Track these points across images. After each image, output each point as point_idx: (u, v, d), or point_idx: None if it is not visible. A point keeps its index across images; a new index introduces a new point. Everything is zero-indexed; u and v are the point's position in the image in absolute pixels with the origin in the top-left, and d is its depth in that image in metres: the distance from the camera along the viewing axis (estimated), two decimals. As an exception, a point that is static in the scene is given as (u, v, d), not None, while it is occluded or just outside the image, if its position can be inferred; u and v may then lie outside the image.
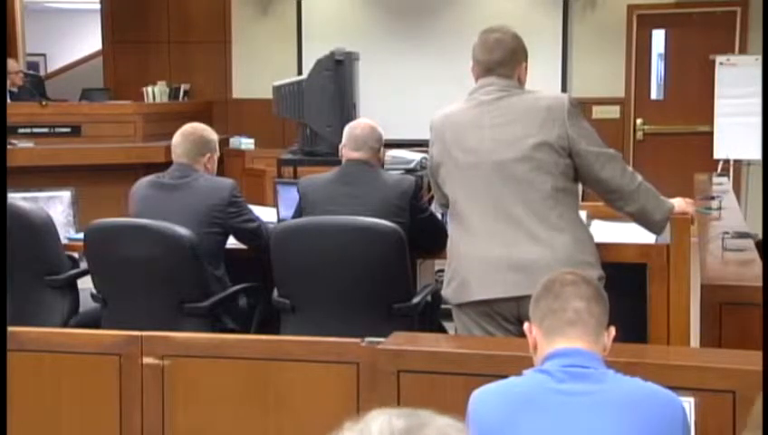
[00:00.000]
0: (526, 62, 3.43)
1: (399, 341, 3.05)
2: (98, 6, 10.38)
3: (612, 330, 2.39)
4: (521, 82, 3.41)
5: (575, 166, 3.30)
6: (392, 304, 3.87)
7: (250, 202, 4.48)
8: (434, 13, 9.32)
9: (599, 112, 8.63)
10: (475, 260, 3.31)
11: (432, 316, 4.19)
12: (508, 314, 3.27)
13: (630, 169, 3.41)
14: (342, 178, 4.10)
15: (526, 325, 2.43)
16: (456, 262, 3.40)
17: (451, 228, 3.47)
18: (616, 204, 3.40)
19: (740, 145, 7.92)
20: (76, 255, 4.53)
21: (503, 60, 3.37)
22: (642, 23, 9.09)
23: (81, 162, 7.92)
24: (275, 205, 4.80)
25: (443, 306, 4.30)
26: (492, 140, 3.30)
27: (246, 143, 9.29)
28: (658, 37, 9.18)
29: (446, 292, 3.46)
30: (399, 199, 4.00)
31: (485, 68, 3.38)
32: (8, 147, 6.90)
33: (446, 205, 3.52)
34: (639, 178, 3.39)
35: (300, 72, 8.70)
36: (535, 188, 3.26)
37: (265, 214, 4.59)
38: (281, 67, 9.15)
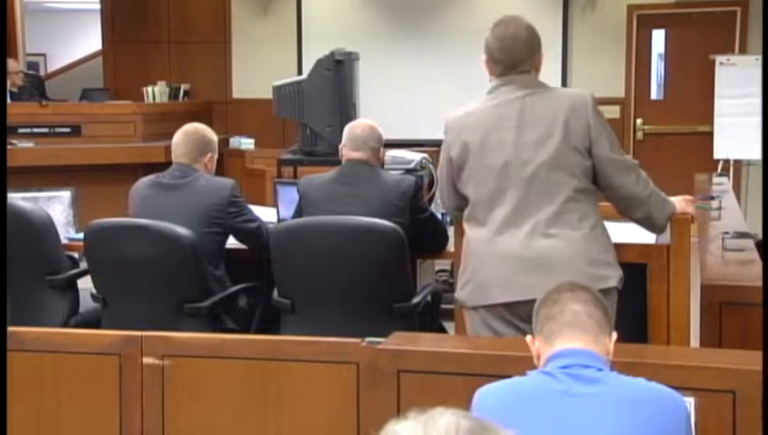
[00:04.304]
0: (541, 50, 3.36)
1: (399, 341, 3.05)
2: (98, 6, 10.38)
3: (614, 335, 2.40)
4: (537, 72, 3.35)
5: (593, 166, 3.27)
6: (392, 304, 3.87)
7: (250, 202, 4.48)
8: (434, 13, 9.32)
9: (599, 112, 8.63)
10: (496, 262, 3.25)
11: (432, 316, 4.18)
12: (524, 315, 3.23)
13: (644, 175, 3.36)
14: (342, 178, 4.10)
15: (528, 338, 2.44)
16: (474, 263, 3.32)
17: (470, 229, 3.37)
18: (624, 210, 3.38)
19: (740, 145, 7.92)
20: (76, 255, 4.53)
21: (522, 56, 3.30)
22: (642, 23, 9.09)
23: (81, 162, 7.92)
24: (275, 205, 4.81)
25: (443, 306, 4.30)
26: (515, 141, 3.24)
27: (246, 143, 9.29)
28: (658, 37, 9.18)
29: (460, 294, 3.38)
30: (399, 199, 4.00)
31: (505, 66, 3.31)
32: (8, 147, 6.89)
33: (459, 208, 3.43)
34: (651, 185, 3.36)
35: (300, 72, 8.69)
36: (558, 191, 3.22)
37: (265, 214, 4.59)
38: (281, 67, 9.15)
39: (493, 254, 3.26)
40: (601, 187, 3.32)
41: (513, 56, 3.30)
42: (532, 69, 3.34)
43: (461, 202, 3.41)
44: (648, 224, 3.45)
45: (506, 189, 3.25)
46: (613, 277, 3.24)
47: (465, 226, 3.41)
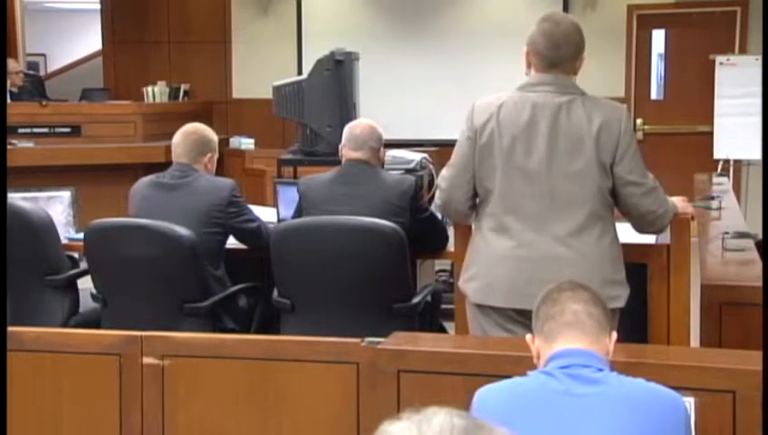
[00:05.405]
0: (584, 53, 3.30)
1: (399, 341, 3.05)
2: (98, 6, 10.38)
3: (614, 334, 2.39)
4: (575, 74, 3.29)
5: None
6: (392, 304, 3.87)
7: (250, 202, 4.48)
8: (434, 13, 9.32)
9: (599, 112, 8.63)
10: (506, 267, 3.22)
11: (432, 316, 4.19)
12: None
13: (662, 194, 3.31)
14: (342, 178, 4.10)
15: (528, 337, 2.44)
16: (482, 262, 3.29)
17: (482, 226, 3.31)
18: (637, 227, 3.38)
19: (740, 145, 7.92)
20: (76, 255, 4.53)
21: (568, 55, 3.24)
22: (642, 23, 9.10)
23: (81, 162, 7.92)
24: (275, 205, 4.81)
25: (443, 306, 4.31)
26: (547, 148, 3.18)
27: (246, 143, 9.29)
28: (658, 37, 9.19)
29: (464, 287, 3.35)
30: (399, 199, 4.00)
31: (548, 64, 3.23)
32: (8, 147, 6.90)
33: (469, 199, 3.33)
34: (666, 204, 3.33)
35: (300, 72, 8.69)
36: (584, 204, 3.19)
37: (265, 214, 4.59)
38: (281, 67, 9.15)
39: (507, 258, 3.23)
40: (617, 203, 3.29)
41: (560, 54, 3.23)
42: (572, 71, 3.27)
43: (472, 194, 3.32)
44: (653, 233, 3.49)
45: (531, 195, 3.21)
46: (622, 297, 3.23)
47: (478, 220, 3.34)
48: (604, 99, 3.32)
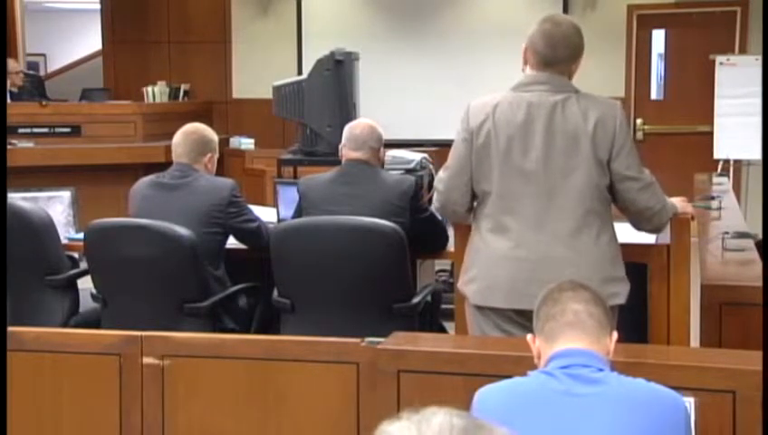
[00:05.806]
0: (581, 57, 3.30)
1: (399, 341, 3.05)
2: (98, 6, 10.38)
3: (615, 334, 2.40)
4: (570, 78, 3.29)
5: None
6: (392, 304, 3.87)
7: (250, 202, 4.48)
8: (434, 13, 9.32)
9: (599, 112, 8.62)
10: (506, 268, 3.22)
11: (432, 316, 4.19)
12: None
13: (659, 189, 3.32)
14: (342, 177, 4.10)
15: (529, 337, 2.44)
16: (482, 263, 3.28)
17: (480, 227, 3.31)
18: (635, 223, 3.38)
19: (740, 145, 7.92)
20: (76, 255, 4.53)
21: (564, 57, 3.24)
22: (642, 23, 9.10)
23: (81, 162, 7.93)
24: (275, 205, 4.81)
25: (443, 306, 4.31)
26: (544, 147, 3.18)
27: (246, 143, 9.29)
28: (658, 37, 9.19)
29: (465, 289, 3.34)
30: (399, 199, 4.00)
31: (544, 62, 3.23)
32: (8, 147, 6.89)
33: (468, 200, 3.33)
34: (663, 200, 3.33)
35: (300, 72, 8.70)
36: (581, 202, 3.19)
37: (265, 214, 4.59)
38: (281, 67, 9.15)
39: (507, 258, 3.22)
40: (615, 199, 3.30)
41: (557, 55, 3.23)
42: (566, 73, 3.27)
43: (470, 196, 3.32)
44: (652, 232, 3.48)
45: (529, 194, 3.21)
46: (622, 294, 3.24)
47: (476, 221, 3.33)
48: (598, 96, 3.33)
